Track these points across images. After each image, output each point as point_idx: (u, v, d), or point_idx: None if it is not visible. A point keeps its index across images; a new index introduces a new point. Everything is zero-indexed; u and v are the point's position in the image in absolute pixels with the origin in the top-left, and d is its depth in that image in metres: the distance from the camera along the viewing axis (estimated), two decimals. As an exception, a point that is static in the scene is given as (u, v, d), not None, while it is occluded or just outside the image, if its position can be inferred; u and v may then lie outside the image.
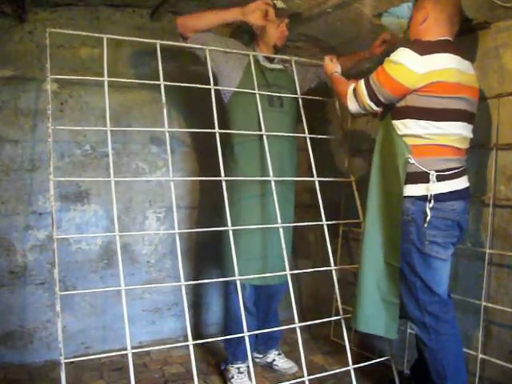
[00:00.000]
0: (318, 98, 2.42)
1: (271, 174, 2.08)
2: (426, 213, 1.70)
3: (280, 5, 2.17)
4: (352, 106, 1.87)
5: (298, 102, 2.29)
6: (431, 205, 1.70)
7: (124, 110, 2.58)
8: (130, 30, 2.53)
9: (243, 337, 1.93)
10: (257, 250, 2.19)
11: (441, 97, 1.69)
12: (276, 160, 2.13)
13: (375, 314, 1.85)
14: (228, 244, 2.10)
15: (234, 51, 2.17)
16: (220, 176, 2.01)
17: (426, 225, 1.71)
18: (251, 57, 2.18)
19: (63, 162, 2.45)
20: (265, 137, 2.11)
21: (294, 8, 2.24)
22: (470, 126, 1.80)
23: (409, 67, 1.67)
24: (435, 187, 1.70)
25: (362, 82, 1.82)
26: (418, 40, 1.78)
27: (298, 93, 2.29)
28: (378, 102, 1.79)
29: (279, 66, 2.29)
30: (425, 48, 1.69)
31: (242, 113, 2.20)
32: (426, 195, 1.71)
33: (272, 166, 2.09)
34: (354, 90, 1.85)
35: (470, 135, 1.81)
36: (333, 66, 2.10)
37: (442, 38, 1.75)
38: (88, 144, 2.51)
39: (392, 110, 1.80)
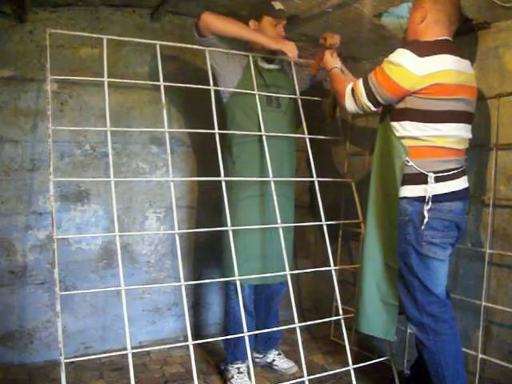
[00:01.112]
0: (316, 98, 2.42)
1: (271, 174, 2.08)
2: (423, 214, 1.70)
3: (278, 6, 2.19)
4: (350, 105, 1.86)
5: (295, 101, 2.30)
6: (429, 206, 1.70)
7: (124, 110, 2.58)
8: (130, 30, 2.53)
9: (242, 337, 1.93)
10: (255, 250, 2.19)
11: (440, 99, 1.69)
12: (274, 160, 2.13)
13: (375, 315, 1.85)
14: (226, 244, 2.12)
15: (234, 52, 2.18)
16: (219, 176, 2.01)
17: (423, 226, 1.71)
18: (251, 58, 2.18)
19: (63, 162, 2.45)
20: (264, 137, 2.12)
21: (293, 8, 2.24)
22: (469, 126, 1.80)
23: (408, 69, 1.66)
24: (433, 188, 1.70)
25: (360, 82, 1.81)
26: (416, 41, 1.76)
27: (297, 93, 2.30)
28: (376, 103, 1.79)
29: (277, 67, 2.29)
30: (424, 49, 1.68)
31: (240, 113, 2.20)
32: (424, 196, 1.70)
33: (271, 166, 2.09)
34: (352, 90, 1.84)
35: (469, 136, 1.80)
36: (333, 61, 2.07)
37: (440, 38, 1.74)
38: (88, 144, 2.51)
39: (390, 111, 1.79)
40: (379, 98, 1.76)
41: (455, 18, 1.78)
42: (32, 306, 2.40)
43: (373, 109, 1.82)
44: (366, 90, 1.78)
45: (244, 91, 2.16)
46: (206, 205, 2.75)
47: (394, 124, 1.77)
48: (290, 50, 2.16)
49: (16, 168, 2.36)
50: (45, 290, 2.42)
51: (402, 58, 1.68)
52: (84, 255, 2.52)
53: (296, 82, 2.29)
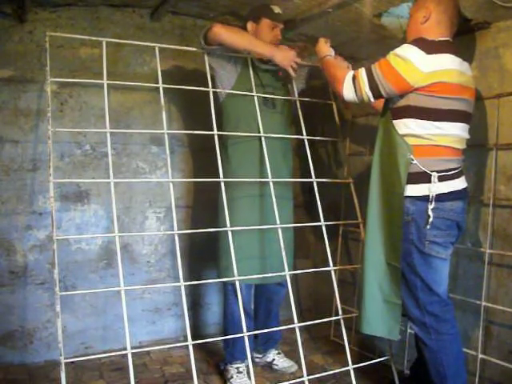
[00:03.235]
0: (315, 100, 2.43)
1: (269, 175, 2.09)
2: (426, 213, 1.70)
3: (277, 10, 2.22)
4: (348, 93, 1.82)
5: (290, 101, 2.32)
6: (432, 205, 1.70)
7: (124, 109, 2.58)
8: (130, 30, 2.54)
9: (240, 337, 1.93)
10: (251, 249, 2.18)
11: (443, 97, 1.69)
12: (270, 160, 2.12)
13: (378, 315, 1.84)
14: (222, 244, 2.14)
15: (232, 54, 2.19)
16: (217, 176, 2.02)
17: (426, 225, 1.71)
18: (249, 58, 2.20)
19: (63, 162, 2.45)
20: (263, 138, 2.13)
21: (293, 8, 2.25)
22: (468, 127, 1.80)
23: (415, 64, 1.66)
24: (436, 187, 1.70)
25: (363, 71, 1.78)
26: (422, 38, 1.74)
27: (296, 94, 2.32)
28: (377, 95, 1.76)
29: (273, 67, 2.30)
30: (431, 47, 1.68)
31: (236, 113, 2.22)
32: (427, 195, 1.70)
33: (267, 166, 2.09)
34: (354, 78, 1.80)
35: (468, 136, 1.81)
36: (326, 48, 2.05)
37: (443, 39, 1.75)
38: (88, 144, 2.51)
39: (392, 108, 1.79)
40: (381, 90, 1.74)
41: (456, 20, 1.79)
42: (32, 305, 2.40)
43: (372, 100, 1.79)
44: (368, 79, 1.76)
45: (240, 92, 2.17)
46: (203, 204, 2.75)
47: (396, 122, 1.76)
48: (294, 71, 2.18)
49: (16, 168, 2.36)
50: (45, 290, 2.42)
51: (409, 52, 1.68)
52: (84, 255, 2.52)
53: (294, 84, 2.30)
